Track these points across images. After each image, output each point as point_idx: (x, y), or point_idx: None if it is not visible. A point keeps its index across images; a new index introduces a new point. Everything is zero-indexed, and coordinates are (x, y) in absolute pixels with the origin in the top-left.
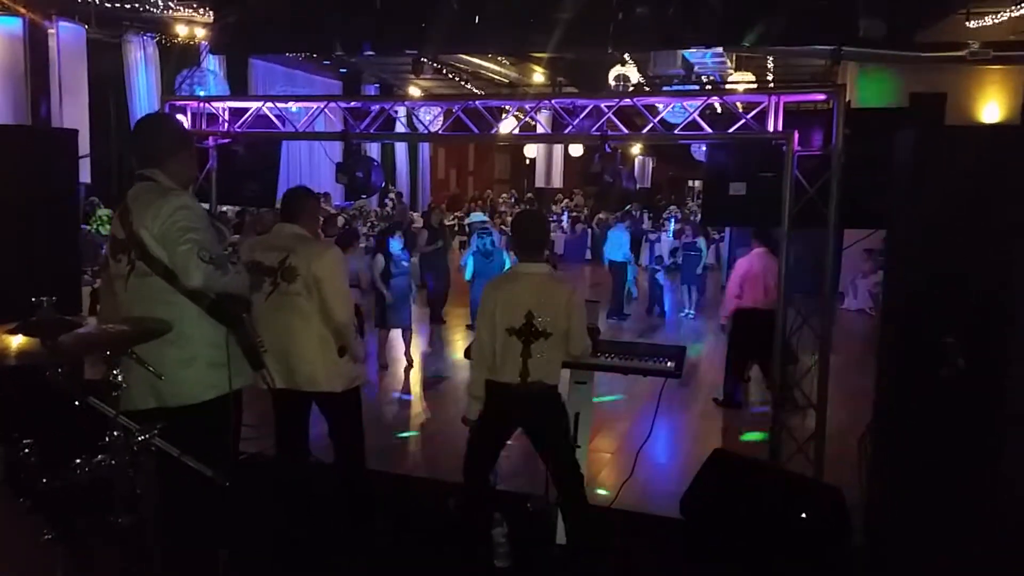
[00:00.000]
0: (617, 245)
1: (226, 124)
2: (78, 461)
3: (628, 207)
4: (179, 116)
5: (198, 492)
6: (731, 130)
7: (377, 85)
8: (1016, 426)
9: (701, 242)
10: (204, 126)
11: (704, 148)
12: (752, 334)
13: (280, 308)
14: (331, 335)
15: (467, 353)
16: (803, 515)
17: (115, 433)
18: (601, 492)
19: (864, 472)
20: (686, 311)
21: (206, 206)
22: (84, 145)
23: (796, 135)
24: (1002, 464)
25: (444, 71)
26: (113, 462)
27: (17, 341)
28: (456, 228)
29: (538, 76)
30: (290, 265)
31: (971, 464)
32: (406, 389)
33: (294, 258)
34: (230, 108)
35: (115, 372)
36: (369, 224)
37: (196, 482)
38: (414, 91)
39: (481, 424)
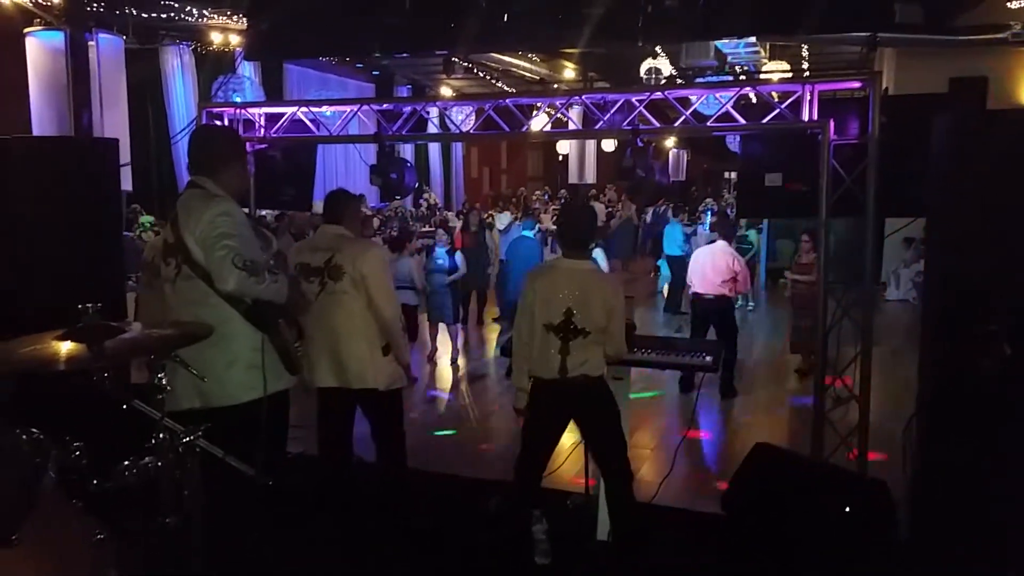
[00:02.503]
0: (673, 240)
1: (262, 129)
2: (126, 463)
3: (661, 201)
4: (216, 123)
5: (242, 491)
6: (765, 120)
7: (409, 86)
8: None
9: (752, 235)
10: (241, 132)
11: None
12: (703, 316)
13: (328, 307)
14: (377, 332)
15: (504, 350)
16: (846, 509)
17: (161, 435)
18: (642, 488)
19: (908, 464)
20: (739, 303)
21: (246, 210)
22: (125, 154)
23: (832, 124)
24: None
25: (475, 70)
26: (159, 464)
27: (65, 347)
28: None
29: (569, 72)
30: (336, 264)
31: (1017, 454)
32: (447, 385)
33: (339, 257)
34: (265, 114)
35: (159, 376)
36: (405, 225)
37: (238, 482)
38: (446, 91)
39: (531, 421)
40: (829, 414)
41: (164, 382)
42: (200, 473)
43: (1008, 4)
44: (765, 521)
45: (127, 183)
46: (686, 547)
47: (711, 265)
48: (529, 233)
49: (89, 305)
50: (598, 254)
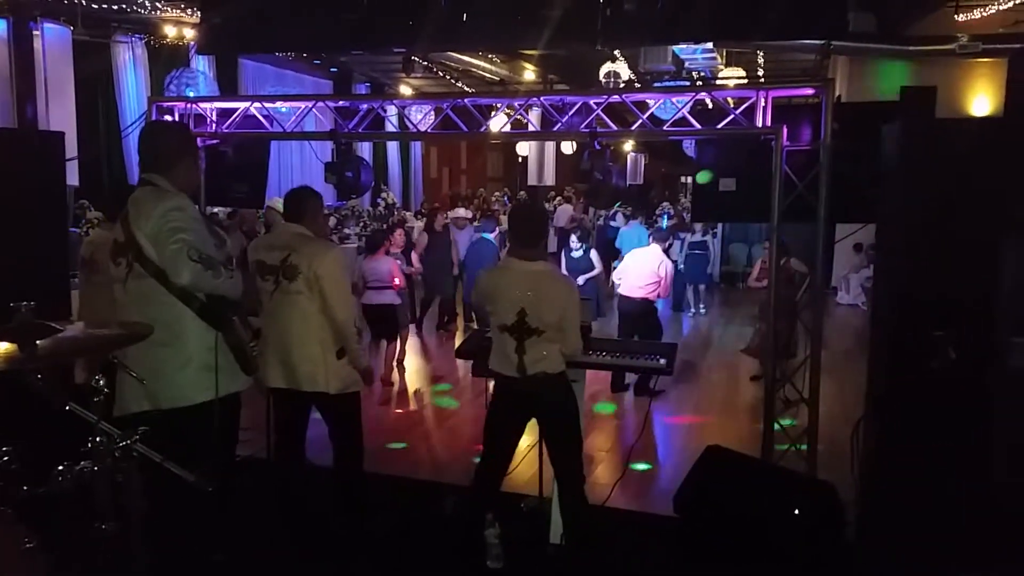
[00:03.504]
0: (636, 242)
1: (213, 125)
2: (60, 468)
3: (618, 204)
4: (166, 117)
5: (187, 496)
6: (720, 125)
7: (368, 84)
8: (999, 422)
9: (710, 240)
10: (192, 127)
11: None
12: (627, 318)
13: (282, 307)
14: (331, 335)
15: (458, 352)
16: (796, 511)
17: (97, 439)
18: (595, 490)
19: (856, 466)
20: (692, 310)
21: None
22: (72, 147)
23: (785, 130)
24: (991, 457)
25: (435, 69)
26: (96, 469)
27: None
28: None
29: (529, 74)
30: (291, 263)
31: (963, 457)
32: (403, 391)
33: (295, 256)
34: (217, 109)
35: (97, 377)
36: (361, 224)
37: (184, 486)
38: (405, 90)
39: (492, 421)
40: (779, 417)
41: (102, 383)
42: (140, 478)
43: (956, 16)
44: (716, 523)
45: (73, 178)
46: (638, 549)
47: (637, 268)
48: (489, 236)
49: (23, 303)
50: (593, 255)
